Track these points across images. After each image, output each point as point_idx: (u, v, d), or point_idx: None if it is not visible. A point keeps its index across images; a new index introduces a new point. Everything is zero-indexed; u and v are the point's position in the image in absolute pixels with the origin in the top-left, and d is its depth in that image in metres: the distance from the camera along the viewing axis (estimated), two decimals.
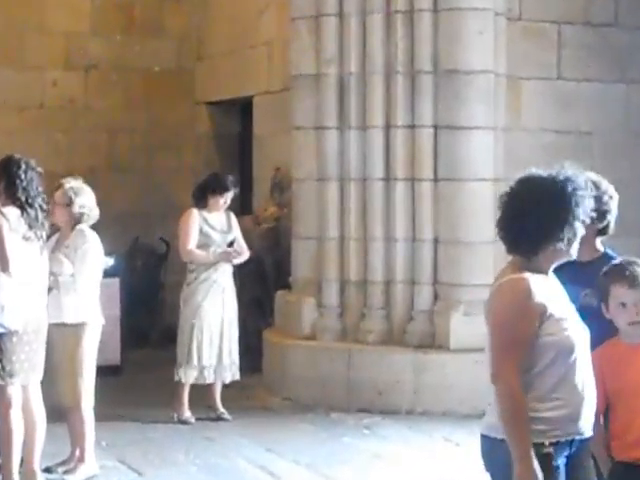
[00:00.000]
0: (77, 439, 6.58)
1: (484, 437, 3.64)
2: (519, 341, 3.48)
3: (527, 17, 9.23)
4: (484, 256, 8.22)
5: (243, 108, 11.62)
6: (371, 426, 7.89)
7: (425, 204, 8.70)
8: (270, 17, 10.69)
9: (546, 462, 3.53)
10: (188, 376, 7.94)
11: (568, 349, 3.58)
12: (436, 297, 8.70)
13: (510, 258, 3.75)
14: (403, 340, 8.64)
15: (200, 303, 8.13)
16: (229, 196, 8.54)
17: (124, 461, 6.71)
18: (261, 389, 9.12)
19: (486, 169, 8.70)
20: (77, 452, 6.60)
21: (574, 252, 3.66)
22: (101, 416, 6.56)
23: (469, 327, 8.00)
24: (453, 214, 8.52)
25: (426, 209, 8.70)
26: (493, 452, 3.62)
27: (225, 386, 8.79)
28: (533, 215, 3.56)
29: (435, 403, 8.13)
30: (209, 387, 8.06)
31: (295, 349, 8.93)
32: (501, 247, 3.93)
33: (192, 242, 7.86)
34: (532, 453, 3.45)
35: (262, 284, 10.15)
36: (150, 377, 9.22)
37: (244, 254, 8.33)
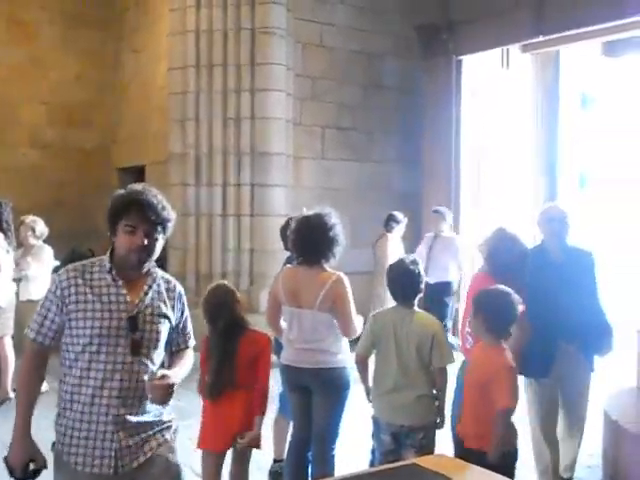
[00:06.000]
0: None
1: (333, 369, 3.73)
2: None
3: (305, 123, 9.65)
4: (277, 259, 7.56)
5: (139, 172, 11.28)
6: None
7: (246, 228, 8.96)
8: (156, 118, 10.71)
9: None
10: None
11: None
12: (252, 282, 8.93)
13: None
14: None
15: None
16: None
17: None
18: None
19: (281, 209, 8.96)
20: None
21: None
22: None
23: None
24: (262, 234, 8.68)
25: (246, 231, 8.97)
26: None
27: None
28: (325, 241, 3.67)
29: None
30: None
31: None
32: (285, 254, 4.44)
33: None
34: None
35: None
36: None
37: None
